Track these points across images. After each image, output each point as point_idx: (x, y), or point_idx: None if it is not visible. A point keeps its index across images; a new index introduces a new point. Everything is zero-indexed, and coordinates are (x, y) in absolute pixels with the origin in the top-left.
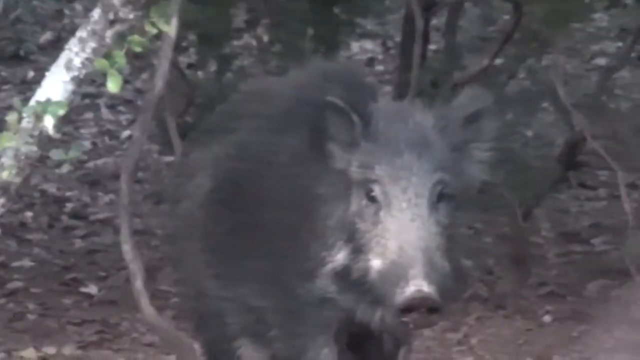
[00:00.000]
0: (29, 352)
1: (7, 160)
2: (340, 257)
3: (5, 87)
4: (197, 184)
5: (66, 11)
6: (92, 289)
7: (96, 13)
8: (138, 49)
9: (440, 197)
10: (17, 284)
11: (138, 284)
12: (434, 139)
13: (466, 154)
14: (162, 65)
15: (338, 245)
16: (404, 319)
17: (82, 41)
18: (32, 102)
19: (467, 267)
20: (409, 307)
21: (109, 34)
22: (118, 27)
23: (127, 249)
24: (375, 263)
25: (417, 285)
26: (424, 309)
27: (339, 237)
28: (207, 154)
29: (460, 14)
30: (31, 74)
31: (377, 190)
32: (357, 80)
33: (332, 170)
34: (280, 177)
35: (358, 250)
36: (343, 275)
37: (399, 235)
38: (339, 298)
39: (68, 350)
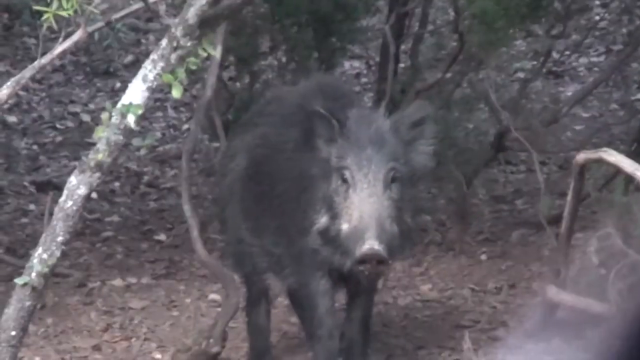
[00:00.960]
0: (117, 282)
1: (101, 146)
2: (322, 220)
3: (100, 94)
4: (236, 163)
5: (143, 40)
6: (161, 237)
7: (164, 42)
8: (193, 67)
9: (393, 180)
10: (108, 233)
11: (194, 233)
12: (389, 138)
13: (413, 148)
14: (211, 78)
15: (322, 212)
16: (361, 268)
17: (154, 62)
18: (119, 105)
19: (413, 229)
20: (363, 260)
21: (173, 56)
22: (179, 52)
23: (186, 208)
24: (344, 227)
25: (370, 244)
26: (374, 262)
27: (323, 206)
28: (242, 141)
29: (421, 41)
30: (118, 84)
31: (347, 175)
32: (339, 92)
33: (319, 158)
34: (286, 161)
35: (334, 217)
36: (324, 234)
37: (360, 207)
38: (322, 249)
39: (145, 280)
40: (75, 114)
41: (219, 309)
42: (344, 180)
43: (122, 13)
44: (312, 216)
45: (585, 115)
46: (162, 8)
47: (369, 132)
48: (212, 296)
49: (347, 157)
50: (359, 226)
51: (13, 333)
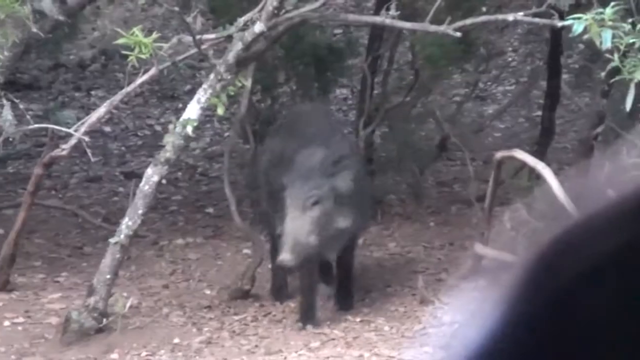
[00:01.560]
0: (179, 241)
1: (168, 147)
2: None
3: (167, 112)
4: (263, 160)
5: (197, 74)
6: (210, 210)
7: (212, 76)
8: (232, 93)
9: (315, 203)
10: (173, 208)
11: (232, 207)
12: (313, 174)
13: (335, 178)
14: (244, 101)
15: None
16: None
17: (205, 89)
18: (180, 119)
19: (346, 229)
20: (280, 266)
21: (218, 86)
22: (222, 83)
23: (227, 190)
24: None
25: (282, 257)
26: (284, 268)
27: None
28: (266, 146)
29: (389, 75)
30: (180, 105)
31: (286, 199)
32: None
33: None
34: (285, 164)
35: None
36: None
37: (285, 225)
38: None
39: (199, 240)
40: (150, 126)
41: (250, 260)
42: (284, 202)
43: (183, 56)
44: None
45: (501, 126)
46: (210, 52)
47: (300, 169)
48: (245, 251)
49: (286, 188)
50: (283, 240)
51: (108, 276)
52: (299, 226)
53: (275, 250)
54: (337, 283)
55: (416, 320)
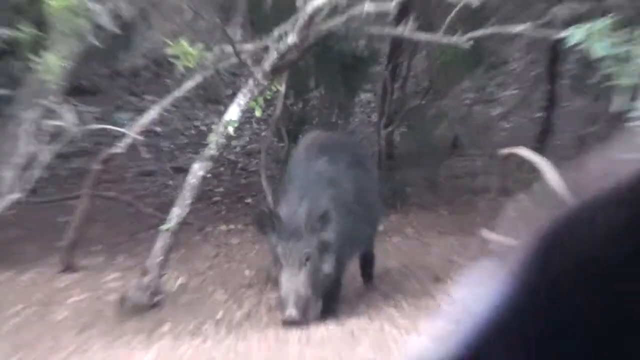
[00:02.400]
0: (223, 227)
1: (212, 145)
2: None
3: (211, 114)
4: (291, 160)
5: (237, 80)
6: (249, 200)
7: (250, 81)
8: (268, 97)
9: (306, 260)
10: (216, 198)
11: (268, 198)
12: (304, 233)
13: (322, 231)
14: (279, 104)
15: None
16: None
17: (244, 94)
18: (222, 120)
19: (332, 273)
20: (287, 322)
21: (255, 90)
22: (259, 88)
23: (264, 183)
24: (280, 294)
25: (288, 312)
26: (292, 322)
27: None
28: (296, 148)
29: (407, 81)
30: (222, 108)
31: (280, 260)
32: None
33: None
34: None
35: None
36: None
37: (284, 285)
38: None
39: (239, 226)
40: (196, 126)
41: None
42: (279, 261)
43: (224, 64)
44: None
45: (507, 126)
46: (249, 61)
47: (290, 229)
48: None
49: (282, 245)
50: (284, 297)
51: (159, 259)
52: (297, 283)
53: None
54: (361, 268)
55: (431, 296)
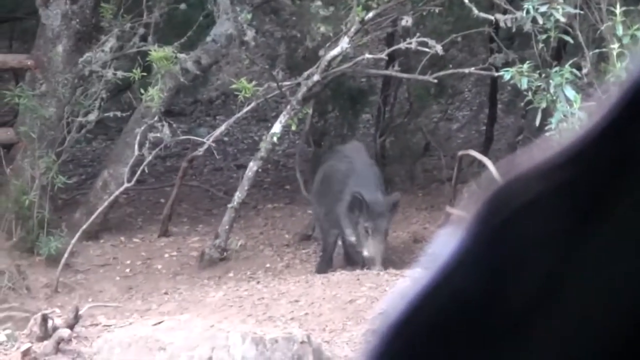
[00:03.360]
0: (269, 205)
1: (262, 150)
2: (352, 238)
3: (262, 128)
4: (319, 171)
5: (279, 106)
6: (287, 187)
7: (288, 106)
8: (300, 117)
9: (386, 230)
10: (265, 186)
11: (301, 186)
12: (386, 212)
13: (390, 215)
14: (307, 122)
15: (350, 232)
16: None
17: (284, 115)
18: (270, 133)
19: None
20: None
21: (291, 113)
22: (295, 110)
23: (298, 175)
24: (365, 253)
25: (378, 268)
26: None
27: (352, 231)
28: (323, 162)
29: (394, 105)
30: (269, 124)
31: (369, 231)
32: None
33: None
34: (336, 183)
35: (359, 243)
36: (350, 243)
37: (374, 248)
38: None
39: (281, 205)
40: (251, 137)
41: (311, 216)
42: (367, 232)
43: (270, 95)
44: (344, 228)
45: (462, 136)
46: (287, 93)
47: (376, 210)
48: (309, 211)
49: (370, 222)
50: (372, 257)
51: (227, 227)
52: (382, 248)
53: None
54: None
55: (412, 252)
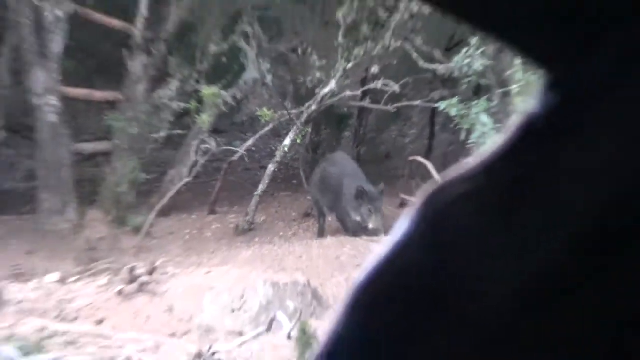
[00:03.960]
0: (282, 193)
1: (277, 156)
2: (357, 218)
3: (277, 142)
4: (316, 175)
5: (290, 126)
6: (294, 181)
7: (294, 127)
8: (303, 134)
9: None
10: (279, 180)
11: (303, 180)
12: (380, 201)
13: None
14: (307, 137)
15: (356, 214)
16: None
17: (292, 132)
18: (282, 145)
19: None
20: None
21: (297, 131)
22: (299, 129)
23: (301, 173)
24: (370, 225)
25: (379, 234)
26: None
27: (356, 213)
28: (319, 168)
29: (367, 126)
30: (282, 139)
31: (372, 211)
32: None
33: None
34: (333, 182)
35: (364, 220)
36: (357, 222)
37: (376, 222)
38: (353, 221)
39: (289, 193)
40: (270, 147)
41: (310, 200)
42: (370, 212)
43: (282, 119)
44: (350, 212)
45: (411, 147)
46: (295, 118)
47: (374, 197)
48: (308, 198)
49: (371, 205)
50: (377, 227)
51: (253, 207)
52: (381, 223)
53: (321, 215)
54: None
55: (397, 217)
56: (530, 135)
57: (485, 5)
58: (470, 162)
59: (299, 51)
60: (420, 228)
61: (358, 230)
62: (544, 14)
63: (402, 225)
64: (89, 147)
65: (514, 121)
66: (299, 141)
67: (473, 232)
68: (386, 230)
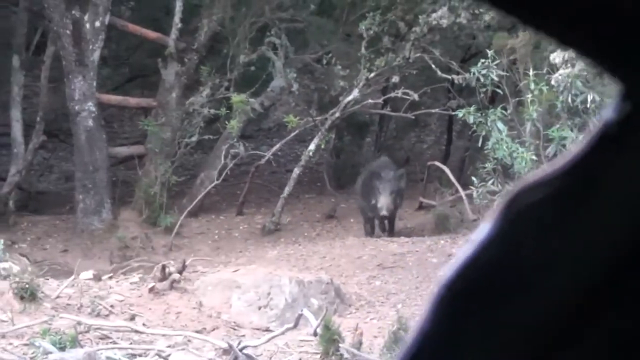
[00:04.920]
0: (306, 195)
1: (302, 160)
2: (368, 198)
3: (302, 147)
4: (359, 179)
5: (314, 132)
6: (319, 184)
7: (319, 133)
8: (327, 139)
9: (392, 192)
10: (304, 183)
11: (327, 181)
12: (393, 181)
13: (398, 182)
14: (331, 142)
15: (374, 200)
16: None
17: (317, 138)
18: (307, 150)
19: (399, 204)
20: (383, 216)
21: (322, 136)
22: (323, 135)
23: (325, 176)
24: (379, 205)
25: (383, 212)
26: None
27: (377, 198)
28: (364, 170)
29: (387, 132)
30: (307, 144)
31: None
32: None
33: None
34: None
35: (376, 202)
36: (375, 206)
37: (382, 203)
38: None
39: (314, 194)
40: (295, 152)
41: (334, 201)
42: (378, 192)
43: (307, 125)
44: (363, 195)
45: (429, 152)
46: (318, 124)
47: (388, 177)
48: (332, 200)
49: (380, 186)
50: (381, 205)
51: (279, 209)
52: (390, 203)
53: (367, 221)
54: (388, 227)
55: (414, 219)
56: (605, 140)
57: (563, 19)
58: (549, 167)
59: (324, 61)
60: (502, 228)
61: (367, 212)
62: (618, 27)
63: (485, 225)
64: (123, 150)
65: (592, 128)
66: (322, 146)
67: (549, 231)
68: (390, 211)
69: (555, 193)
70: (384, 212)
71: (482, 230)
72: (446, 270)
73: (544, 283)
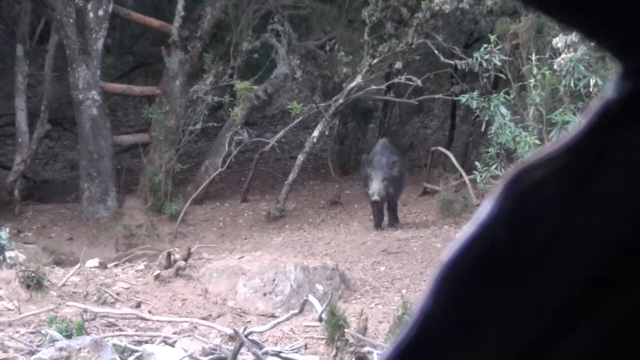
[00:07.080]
0: (311, 182)
1: (306, 146)
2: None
3: (306, 134)
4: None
5: (318, 118)
6: (323, 170)
7: (323, 120)
8: (330, 126)
9: (384, 180)
10: (309, 170)
11: (331, 168)
12: (385, 167)
13: (392, 168)
14: (335, 129)
15: (369, 187)
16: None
17: (321, 124)
18: (311, 136)
19: (394, 193)
20: (374, 202)
21: (325, 123)
22: (327, 122)
23: (329, 162)
24: (370, 192)
25: (374, 198)
26: (375, 202)
27: (371, 185)
28: (367, 156)
29: (391, 117)
30: (311, 131)
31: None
32: (381, 147)
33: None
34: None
35: (369, 188)
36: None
37: (373, 189)
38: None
39: (319, 181)
40: (299, 139)
41: (337, 187)
42: (370, 178)
43: (311, 112)
44: (365, 186)
45: (433, 138)
46: (322, 110)
47: (380, 164)
48: (336, 185)
49: (372, 173)
50: (371, 192)
51: (284, 196)
52: (381, 188)
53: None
54: (389, 214)
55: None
56: (607, 118)
57: (568, 2)
58: (550, 146)
59: (327, 48)
60: (505, 207)
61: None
62: (621, 9)
63: (487, 205)
64: (128, 139)
65: (592, 106)
66: (326, 133)
67: (555, 208)
68: (382, 198)
69: (560, 171)
70: (375, 198)
71: (485, 209)
72: (449, 249)
73: (552, 259)
